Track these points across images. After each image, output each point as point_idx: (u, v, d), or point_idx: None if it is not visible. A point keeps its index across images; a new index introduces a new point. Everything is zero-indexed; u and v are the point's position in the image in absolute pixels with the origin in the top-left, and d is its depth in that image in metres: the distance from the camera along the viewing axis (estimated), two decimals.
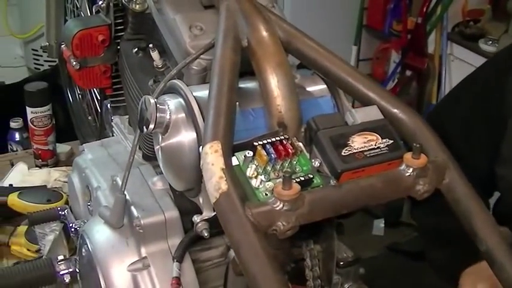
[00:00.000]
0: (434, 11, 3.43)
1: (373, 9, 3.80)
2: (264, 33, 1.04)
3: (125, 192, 1.13)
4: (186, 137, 1.02)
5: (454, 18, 3.46)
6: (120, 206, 1.14)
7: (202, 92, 1.06)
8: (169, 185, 1.17)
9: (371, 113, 1.00)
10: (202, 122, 1.01)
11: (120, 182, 1.18)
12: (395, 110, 1.02)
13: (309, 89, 1.13)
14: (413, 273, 1.41)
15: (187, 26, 1.13)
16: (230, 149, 0.89)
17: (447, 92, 3.47)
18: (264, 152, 0.91)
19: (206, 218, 1.05)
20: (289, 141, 0.94)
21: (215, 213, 1.03)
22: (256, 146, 0.92)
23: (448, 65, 3.45)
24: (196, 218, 1.05)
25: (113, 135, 1.55)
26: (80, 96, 2.19)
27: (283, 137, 0.94)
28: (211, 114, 0.92)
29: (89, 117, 2.17)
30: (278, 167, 0.92)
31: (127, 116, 1.43)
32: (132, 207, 1.15)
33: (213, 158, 0.86)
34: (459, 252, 1.26)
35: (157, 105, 1.02)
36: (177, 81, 1.07)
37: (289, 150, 0.92)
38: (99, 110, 1.79)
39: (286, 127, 1.00)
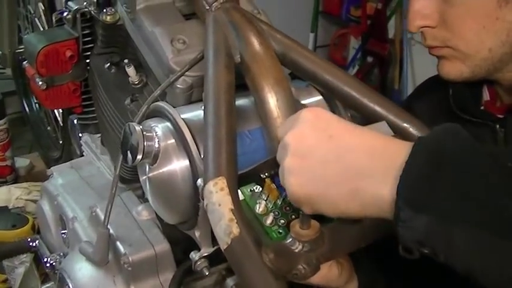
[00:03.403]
0: None
1: None
2: (258, 47, 0.94)
3: (108, 227, 1.02)
4: (178, 165, 0.92)
5: None
6: (103, 241, 1.03)
7: (192, 114, 0.96)
8: (156, 214, 1.07)
9: (381, 131, 0.90)
10: (196, 148, 0.91)
11: (101, 214, 1.08)
12: (405, 125, 0.94)
13: (304, 101, 1.03)
14: None
15: (168, 39, 1.02)
16: (236, 185, 0.80)
17: (410, 77, 3.43)
18: (274, 186, 0.81)
19: (206, 254, 0.95)
20: None
21: (215, 248, 0.94)
22: (264, 178, 0.82)
23: (410, 50, 3.40)
24: (194, 256, 0.95)
25: (81, 153, 1.43)
26: (37, 105, 2.06)
27: None
28: (211, 145, 0.82)
29: (48, 128, 2.04)
30: (288, 199, 0.83)
31: (99, 135, 1.32)
32: (118, 243, 1.04)
33: (219, 197, 0.76)
34: None
35: (144, 133, 0.92)
36: (162, 104, 0.97)
37: None
38: (59, 120, 1.66)
39: None
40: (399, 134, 0.92)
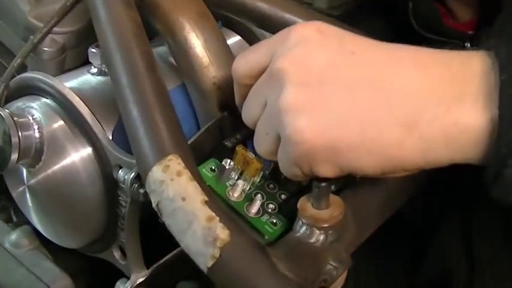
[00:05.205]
0: None
1: None
2: None
3: None
4: (78, 157, 0.61)
5: None
6: None
7: (78, 81, 0.66)
8: (40, 239, 0.75)
9: None
10: (100, 126, 0.61)
11: None
12: None
13: None
14: None
15: None
16: (195, 163, 0.51)
17: None
18: (251, 155, 0.53)
19: (141, 280, 0.64)
20: None
21: (152, 269, 0.65)
22: (233, 147, 0.54)
23: None
24: (122, 287, 0.64)
25: None
26: None
27: None
28: (138, 115, 0.53)
29: None
30: (269, 173, 0.56)
31: None
32: None
33: (179, 187, 0.48)
34: None
35: (15, 119, 0.60)
36: (32, 74, 0.65)
37: None
38: None
39: (234, 109, 0.64)
40: None
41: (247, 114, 0.52)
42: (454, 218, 0.83)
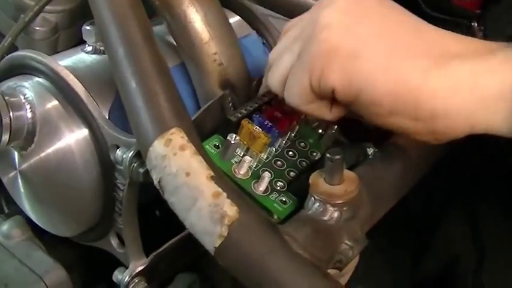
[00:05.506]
0: None
1: None
2: None
3: None
4: (73, 139, 0.57)
5: None
6: None
7: (73, 59, 0.63)
8: (32, 229, 0.71)
9: None
10: (97, 106, 0.58)
11: None
12: None
13: None
14: None
15: None
16: (199, 137, 0.48)
17: None
18: (257, 129, 0.50)
19: (141, 269, 0.61)
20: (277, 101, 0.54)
21: (152, 257, 0.62)
22: (238, 121, 0.51)
23: None
24: (120, 276, 0.61)
25: None
26: None
27: (266, 98, 0.54)
28: (137, 89, 0.49)
29: None
30: (276, 150, 0.53)
31: None
32: None
33: (182, 161, 0.44)
34: None
35: (6, 98, 0.56)
36: (24, 52, 0.61)
37: (291, 115, 0.53)
38: None
39: (235, 86, 0.61)
40: None
41: (280, 45, 0.52)
42: (457, 210, 0.81)
